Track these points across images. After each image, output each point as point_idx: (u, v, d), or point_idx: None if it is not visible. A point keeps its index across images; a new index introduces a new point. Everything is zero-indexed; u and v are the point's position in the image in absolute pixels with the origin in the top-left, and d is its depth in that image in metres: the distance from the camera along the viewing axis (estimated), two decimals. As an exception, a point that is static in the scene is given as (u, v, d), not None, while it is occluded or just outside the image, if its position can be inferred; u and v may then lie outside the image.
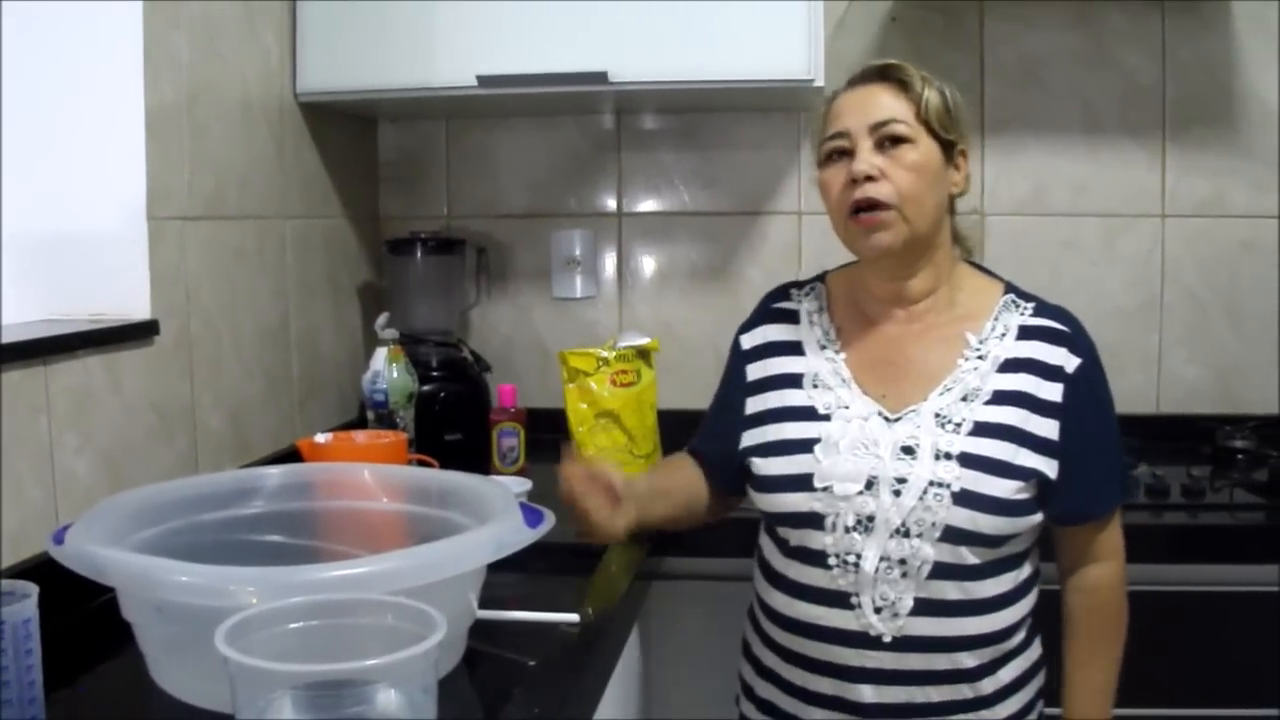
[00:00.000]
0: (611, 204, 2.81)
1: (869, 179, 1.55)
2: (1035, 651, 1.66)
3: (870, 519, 1.54)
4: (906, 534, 1.52)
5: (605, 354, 2.06)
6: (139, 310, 1.83)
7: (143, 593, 1.27)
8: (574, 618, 1.52)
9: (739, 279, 2.75)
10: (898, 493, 1.53)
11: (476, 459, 2.40)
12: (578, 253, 2.80)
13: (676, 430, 2.22)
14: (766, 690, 1.67)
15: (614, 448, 2.05)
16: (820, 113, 1.66)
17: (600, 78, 2.26)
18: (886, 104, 1.58)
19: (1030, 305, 1.64)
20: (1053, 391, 1.57)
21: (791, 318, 1.73)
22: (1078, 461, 1.56)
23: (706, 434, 1.76)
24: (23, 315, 1.80)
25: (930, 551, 1.52)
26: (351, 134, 2.68)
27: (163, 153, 1.86)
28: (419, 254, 2.63)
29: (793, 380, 1.66)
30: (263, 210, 2.21)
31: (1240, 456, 2.43)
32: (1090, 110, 2.63)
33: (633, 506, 1.57)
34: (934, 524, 1.51)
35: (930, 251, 1.62)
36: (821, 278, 1.77)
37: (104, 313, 1.81)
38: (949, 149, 1.60)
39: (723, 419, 1.72)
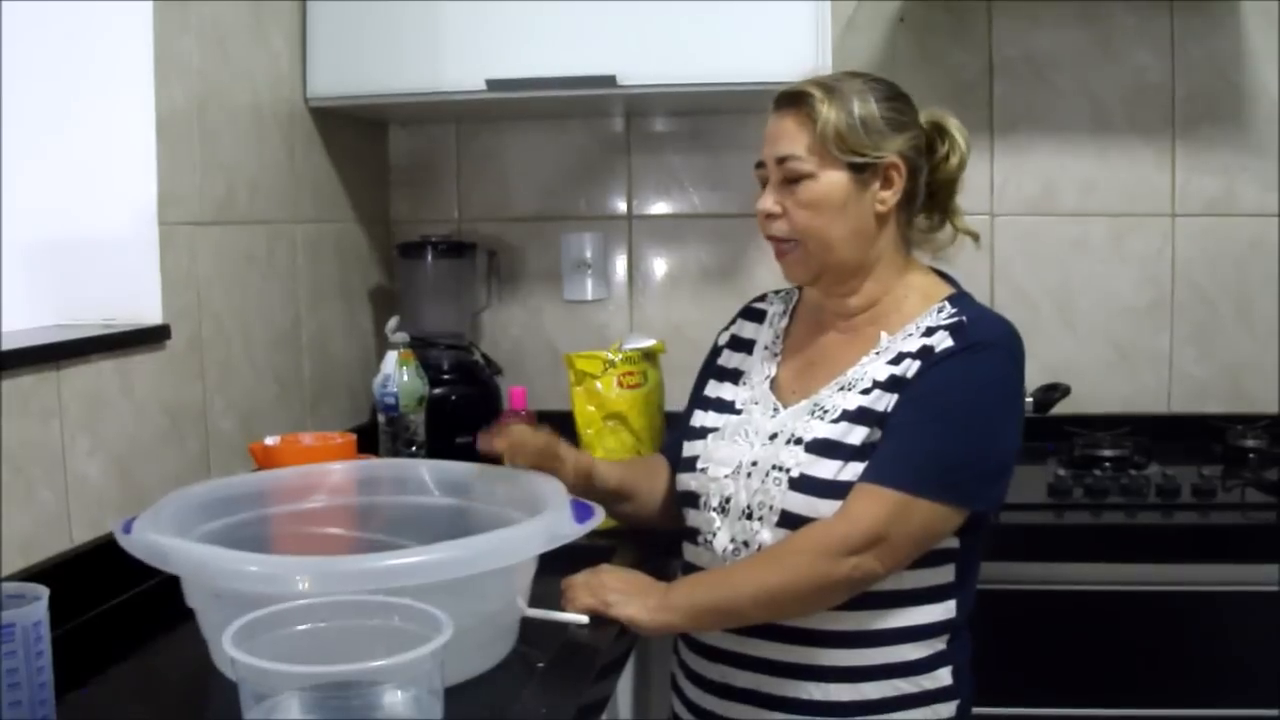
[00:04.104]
0: (622, 206, 2.81)
1: (769, 216, 1.60)
2: (933, 681, 1.56)
3: (728, 501, 1.59)
4: (750, 516, 1.56)
5: (612, 356, 2.07)
6: (150, 315, 1.84)
7: (203, 580, 1.31)
8: (583, 618, 1.52)
9: (749, 281, 2.75)
10: (749, 475, 1.57)
11: (487, 462, 2.40)
12: (588, 255, 2.80)
13: (686, 431, 2.22)
14: (673, 664, 1.76)
15: (622, 449, 2.05)
16: None
17: (609, 81, 2.26)
18: (788, 136, 1.58)
19: (955, 308, 1.57)
20: (912, 369, 1.53)
21: (759, 318, 1.80)
22: (886, 429, 1.51)
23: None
24: (35, 320, 1.81)
25: (766, 536, 1.54)
26: (362, 138, 2.69)
27: (173, 158, 1.87)
28: (430, 257, 2.63)
29: (734, 375, 1.74)
30: (273, 215, 2.22)
31: (1252, 456, 2.41)
32: (1099, 109, 2.62)
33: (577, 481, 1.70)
34: (771, 508, 1.54)
35: (863, 270, 1.62)
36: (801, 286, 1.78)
37: (115, 317, 1.83)
38: (863, 169, 1.56)
39: (690, 405, 1.80)
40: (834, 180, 1.56)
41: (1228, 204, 2.61)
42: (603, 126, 2.79)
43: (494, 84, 2.29)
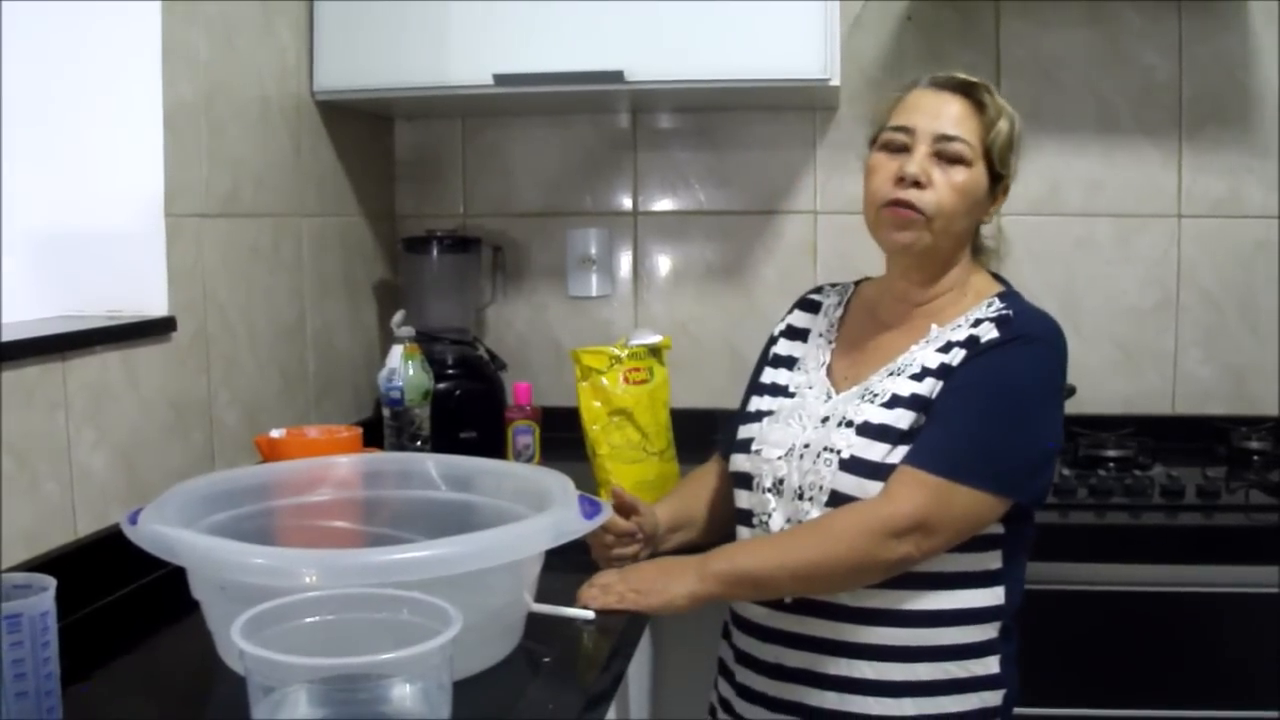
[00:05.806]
0: (627, 203, 2.81)
1: (916, 183, 1.58)
2: (983, 668, 1.57)
3: (781, 482, 1.61)
4: (801, 497, 1.58)
5: (618, 352, 2.06)
6: (156, 307, 1.84)
7: (209, 572, 1.30)
8: (589, 614, 1.52)
9: (754, 278, 2.75)
10: (801, 457, 1.59)
11: (492, 457, 2.40)
12: (593, 251, 2.80)
13: (691, 428, 2.22)
14: (723, 650, 1.76)
15: (627, 445, 2.04)
16: (890, 96, 1.69)
17: (616, 77, 2.26)
18: (961, 120, 1.60)
19: (1003, 303, 1.62)
20: (958, 357, 1.56)
21: (814, 308, 1.82)
22: (930, 415, 1.54)
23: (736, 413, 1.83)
24: (40, 311, 1.81)
25: (815, 516, 1.56)
26: (368, 132, 2.69)
27: (180, 150, 1.87)
28: (435, 252, 2.63)
29: (788, 361, 1.77)
30: (279, 208, 2.22)
31: (1256, 458, 2.42)
32: (1105, 109, 2.62)
33: (647, 547, 1.75)
34: (821, 488, 1.56)
35: (946, 265, 1.66)
36: (858, 282, 1.83)
37: (121, 309, 1.82)
38: (996, 181, 1.63)
39: (746, 394, 1.82)
40: (981, 178, 1.61)
41: (1234, 205, 2.61)
42: (609, 123, 2.79)
43: (501, 79, 2.29)
